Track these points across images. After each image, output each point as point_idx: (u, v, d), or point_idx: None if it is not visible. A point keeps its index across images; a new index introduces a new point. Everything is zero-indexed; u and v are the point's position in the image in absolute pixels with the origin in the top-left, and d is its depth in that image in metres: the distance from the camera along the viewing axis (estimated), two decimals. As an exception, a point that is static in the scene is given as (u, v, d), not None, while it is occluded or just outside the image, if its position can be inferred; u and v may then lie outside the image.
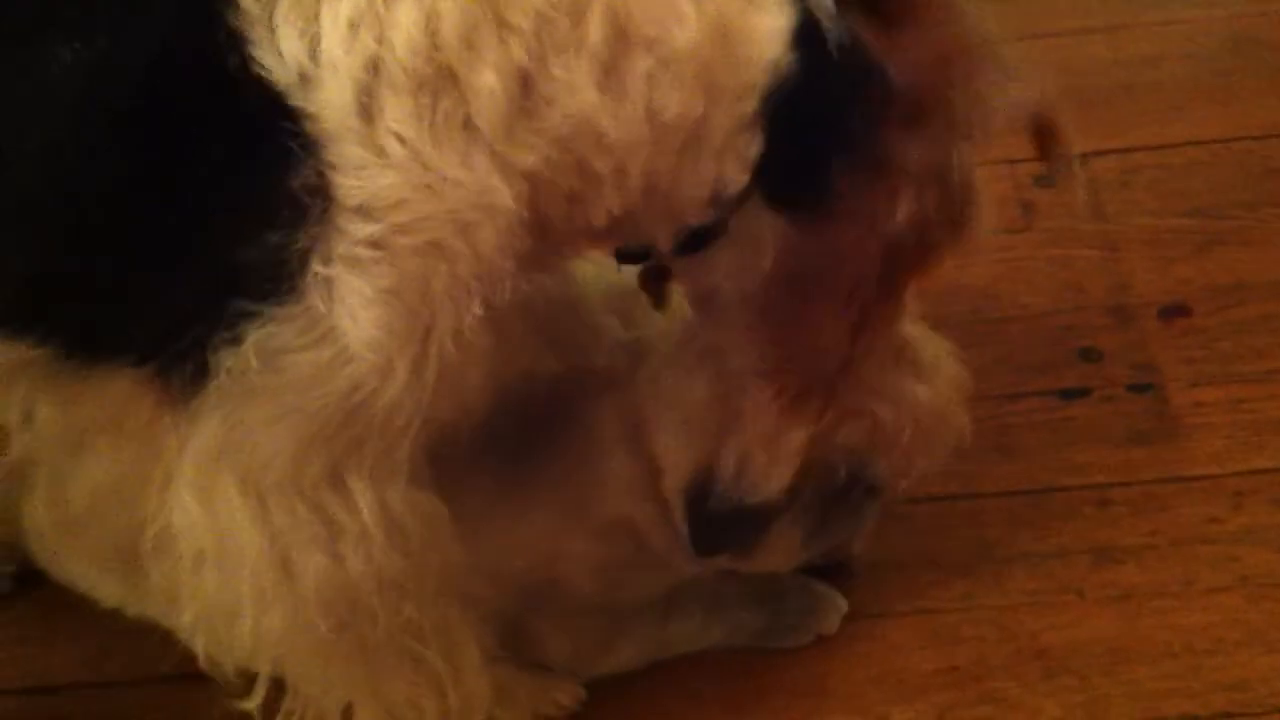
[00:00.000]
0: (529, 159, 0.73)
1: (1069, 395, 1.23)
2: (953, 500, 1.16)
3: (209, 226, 0.70)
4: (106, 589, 1.09)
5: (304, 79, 0.67)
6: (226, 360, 0.72)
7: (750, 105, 0.76)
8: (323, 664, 0.87)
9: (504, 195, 0.72)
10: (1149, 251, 1.35)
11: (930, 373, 1.00)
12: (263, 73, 0.67)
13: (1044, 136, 0.89)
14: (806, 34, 0.76)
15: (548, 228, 0.77)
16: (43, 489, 1.07)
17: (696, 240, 0.84)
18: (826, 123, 0.79)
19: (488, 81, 0.69)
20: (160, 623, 1.05)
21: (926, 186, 0.85)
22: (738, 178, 0.79)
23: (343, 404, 0.74)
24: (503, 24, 0.70)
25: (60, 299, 0.73)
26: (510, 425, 0.96)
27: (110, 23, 0.67)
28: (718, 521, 0.96)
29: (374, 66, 0.68)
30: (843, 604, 1.09)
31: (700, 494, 0.96)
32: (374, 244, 0.70)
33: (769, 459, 0.92)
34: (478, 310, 0.74)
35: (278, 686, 0.89)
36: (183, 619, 0.86)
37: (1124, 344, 1.27)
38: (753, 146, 0.78)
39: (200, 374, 0.74)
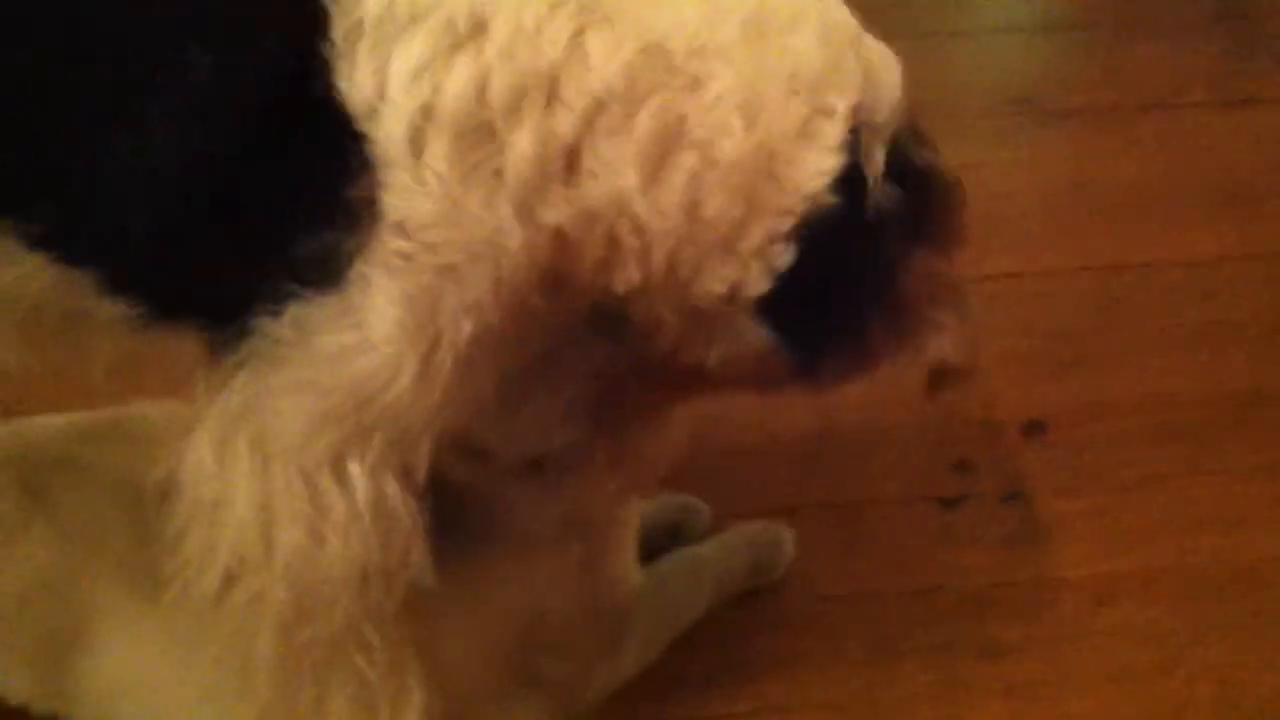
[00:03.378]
0: (556, 217, 0.80)
1: (948, 504, 1.32)
2: (853, 599, 1.23)
3: (281, 218, 0.79)
4: (18, 684, 1.06)
5: (371, 110, 0.76)
6: (265, 326, 0.81)
7: (787, 224, 0.83)
8: (271, 654, 0.90)
9: (516, 239, 0.79)
10: (1009, 371, 1.46)
11: None
12: (340, 98, 0.76)
13: (942, 380, 0.96)
14: (851, 187, 0.83)
15: (565, 281, 0.84)
16: (-38, 581, 1.06)
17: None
18: (868, 280, 0.86)
19: (523, 143, 0.77)
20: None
21: None
22: (760, 284, 0.85)
23: (356, 389, 0.82)
24: (554, 97, 0.78)
25: (161, 265, 0.81)
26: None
27: (236, 39, 0.77)
28: None
29: (426, 111, 0.76)
30: (789, 533, 1.22)
31: None
32: (404, 256, 0.79)
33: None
34: (475, 331, 0.82)
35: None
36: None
37: (992, 457, 1.37)
38: (782, 258, 0.84)
39: (240, 336, 0.82)
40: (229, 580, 0.87)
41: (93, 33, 0.76)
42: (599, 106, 0.78)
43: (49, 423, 1.15)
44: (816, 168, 0.82)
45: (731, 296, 0.86)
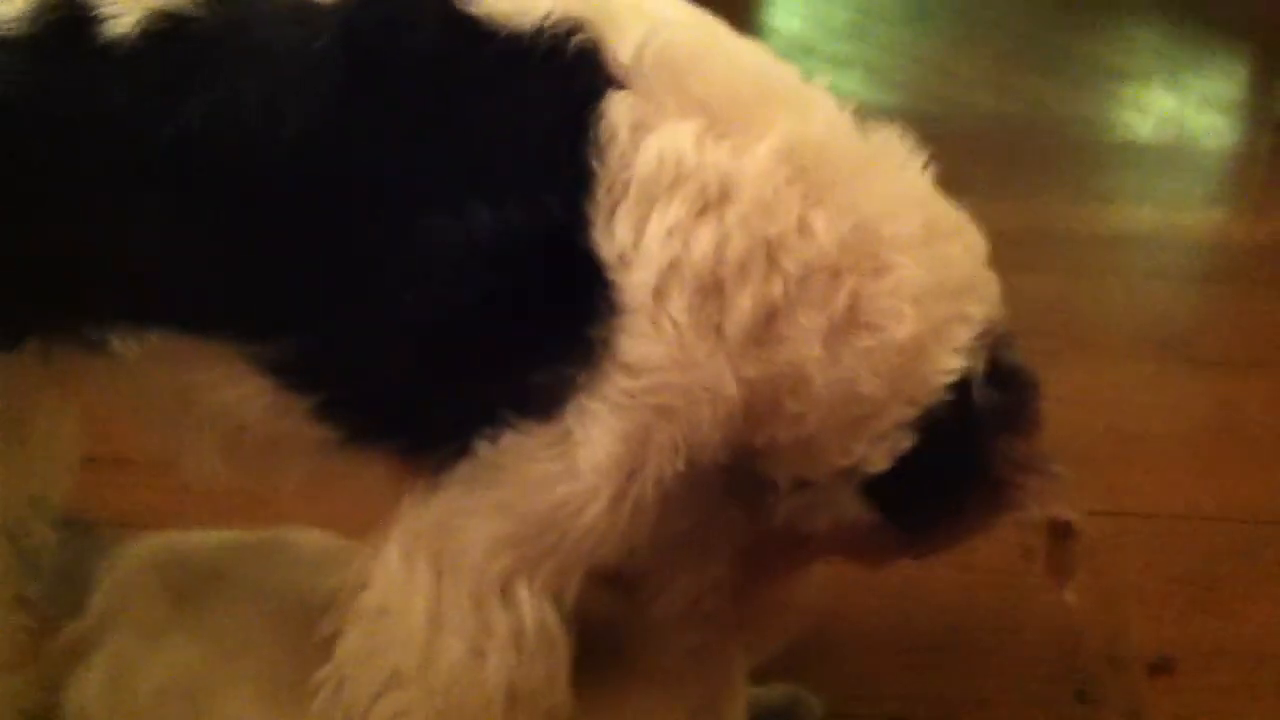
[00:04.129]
0: (750, 374, 0.87)
1: (1067, 731, 1.31)
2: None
3: (519, 353, 0.87)
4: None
5: (622, 260, 0.83)
6: (478, 451, 0.88)
7: (915, 412, 0.90)
8: None
9: (730, 388, 0.86)
10: (1139, 608, 1.45)
11: None
12: (595, 249, 0.83)
13: (1057, 548, 1.01)
14: (962, 390, 0.91)
15: (747, 433, 0.90)
16: (102, 672, 1.10)
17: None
18: (971, 457, 0.94)
19: (743, 302, 0.85)
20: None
21: None
22: (881, 463, 0.92)
23: (548, 515, 0.88)
24: (773, 263, 0.85)
25: (387, 395, 0.89)
26: None
27: (504, 193, 0.84)
28: None
29: (675, 265, 0.84)
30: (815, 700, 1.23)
31: None
32: (630, 394, 0.85)
33: None
34: (679, 467, 0.88)
35: None
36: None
37: (1115, 692, 1.35)
38: (903, 444, 0.91)
39: (450, 458, 0.89)
40: (381, 691, 0.92)
41: (379, 180, 0.84)
42: (809, 274, 0.86)
43: (203, 536, 1.21)
44: (946, 366, 0.90)
45: (851, 471, 0.93)
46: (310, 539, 1.23)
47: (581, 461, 0.86)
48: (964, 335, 0.91)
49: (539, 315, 0.86)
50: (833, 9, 3.09)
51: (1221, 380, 1.85)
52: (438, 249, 0.83)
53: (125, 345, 0.90)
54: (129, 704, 1.08)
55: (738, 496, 0.99)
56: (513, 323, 0.85)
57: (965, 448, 0.94)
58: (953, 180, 2.39)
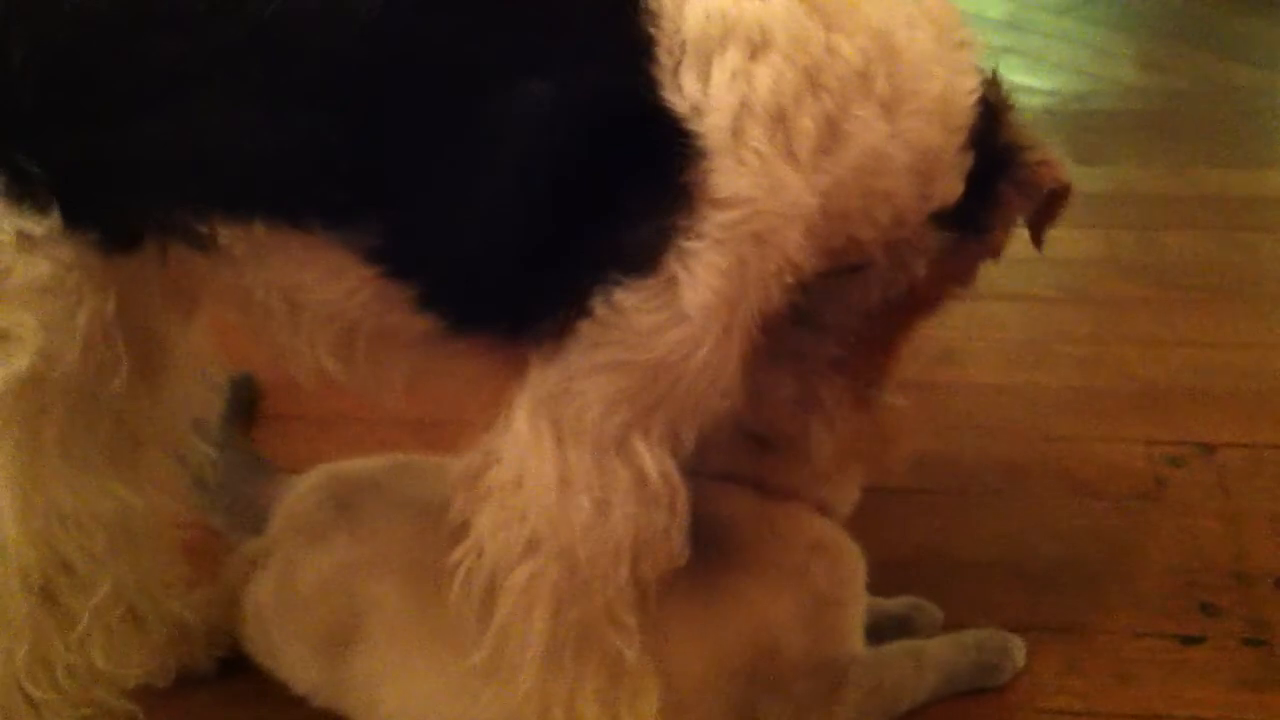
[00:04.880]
0: (825, 181, 0.96)
1: (1187, 640, 1.33)
2: (1073, 715, 1.25)
3: (615, 213, 0.94)
4: (306, 673, 1.22)
5: (696, 110, 0.92)
6: (595, 314, 0.95)
7: (963, 136, 1.03)
8: (542, 633, 1.03)
9: (810, 202, 0.96)
10: (1270, 529, 1.46)
11: None
12: (668, 105, 0.92)
13: (1052, 204, 1.14)
14: (982, 98, 1.04)
15: (827, 238, 1.00)
16: (274, 572, 1.24)
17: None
18: (999, 150, 1.08)
19: (805, 124, 0.94)
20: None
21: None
22: (957, 192, 1.05)
23: (660, 362, 0.96)
24: (817, 85, 0.95)
25: (489, 272, 0.96)
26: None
27: (571, 66, 0.92)
28: None
29: (745, 103, 0.93)
30: (1018, 640, 1.28)
31: None
32: (727, 227, 0.93)
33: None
34: (778, 296, 0.97)
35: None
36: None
37: (1240, 603, 1.37)
38: (968, 161, 1.04)
39: (559, 329, 0.97)
40: (519, 558, 1.01)
41: (449, 57, 0.93)
42: (848, 82, 0.96)
43: (365, 460, 1.34)
44: (970, 88, 1.03)
45: (940, 209, 1.05)
46: (442, 461, 1.35)
47: (687, 304, 0.94)
48: (969, 59, 1.04)
49: (628, 174, 0.92)
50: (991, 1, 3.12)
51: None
52: (517, 121, 0.91)
53: (231, 238, 0.96)
54: (294, 597, 1.22)
55: (805, 325, 1.11)
56: (604, 185, 0.92)
57: (995, 148, 1.07)
58: (1104, 150, 2.42)
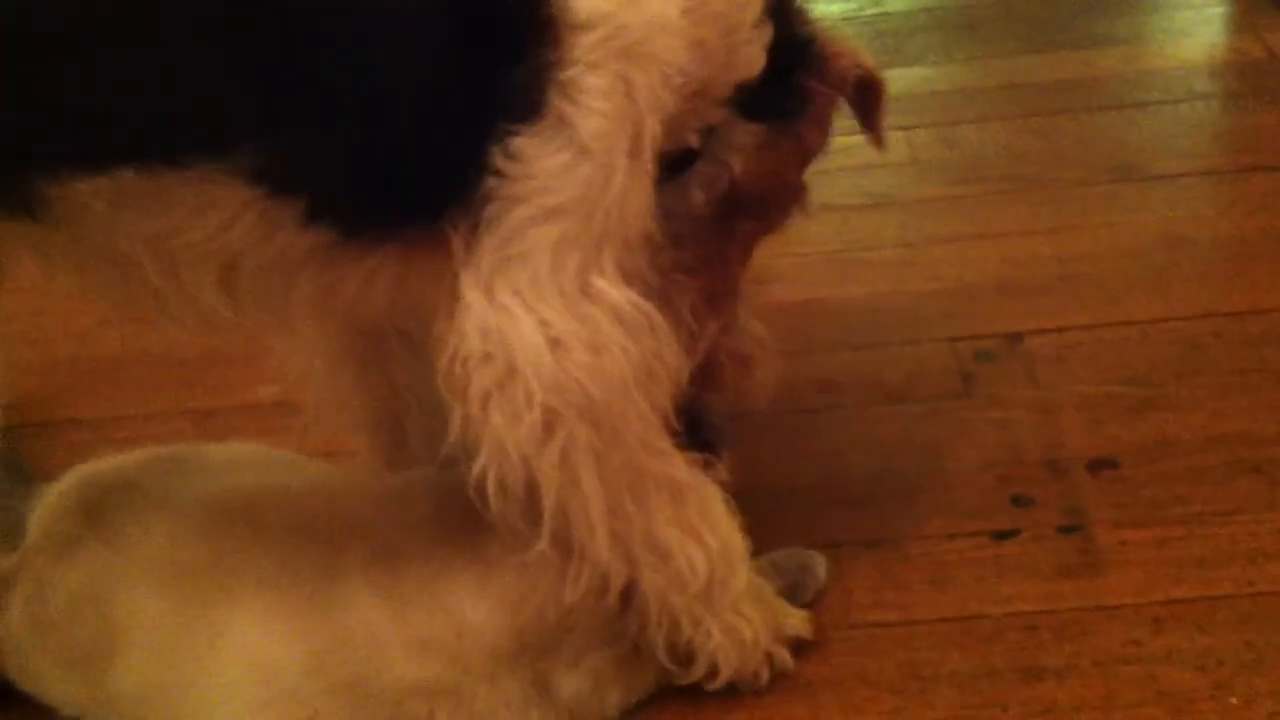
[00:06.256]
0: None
1: (1000, 536, 1.29)
2: (887, 626, 1.21)
3: (490, 65, 0.91)
4: (71, 694, 1.13)
5: None
6: (500, 170, 0.93)
7: (759, 8, 1.03)
8: (596, 489, 1.00)
9: (674, 14, 0.95)
10: (1081, 415, 1.43)
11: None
12: None
13: (867, 95, 1.14)
14: None
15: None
16: (22, 593, 1.15)
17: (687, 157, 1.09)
18: (794, 40, 1.08)
19: None
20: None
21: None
22: (757, 66, 1.04)
23: (582, 200, 0.94)
24: None
25: (381, 160, 0.92)
26: None
27: None
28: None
29: None
30: (821, 557, 1.25)
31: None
32: (594, 49, 0.92)
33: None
34: (672, 103, 0.97)
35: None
36: None
37: (1054, 493, 1.34)
38: (766, 35, 1.04)
39: (481, 198, 0.94)
40: (542, 444, 0.97)
41: None
42: None
43: (119, 458, 1.25)
44: None
45: (744, 81, 1.04)
46: (223, 450, 1.27)
47: (585, 135, 0.92)
48: None
49: (492, 18, 0.90)
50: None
51: (1176, 195, 1.81)
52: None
53: (91, 194, 0.89)
54: (45, 616, 1.13)
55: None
56: (473, 37, 0.90)
57: (792, 38, 1.08)
58: (903, 52, 2.37)
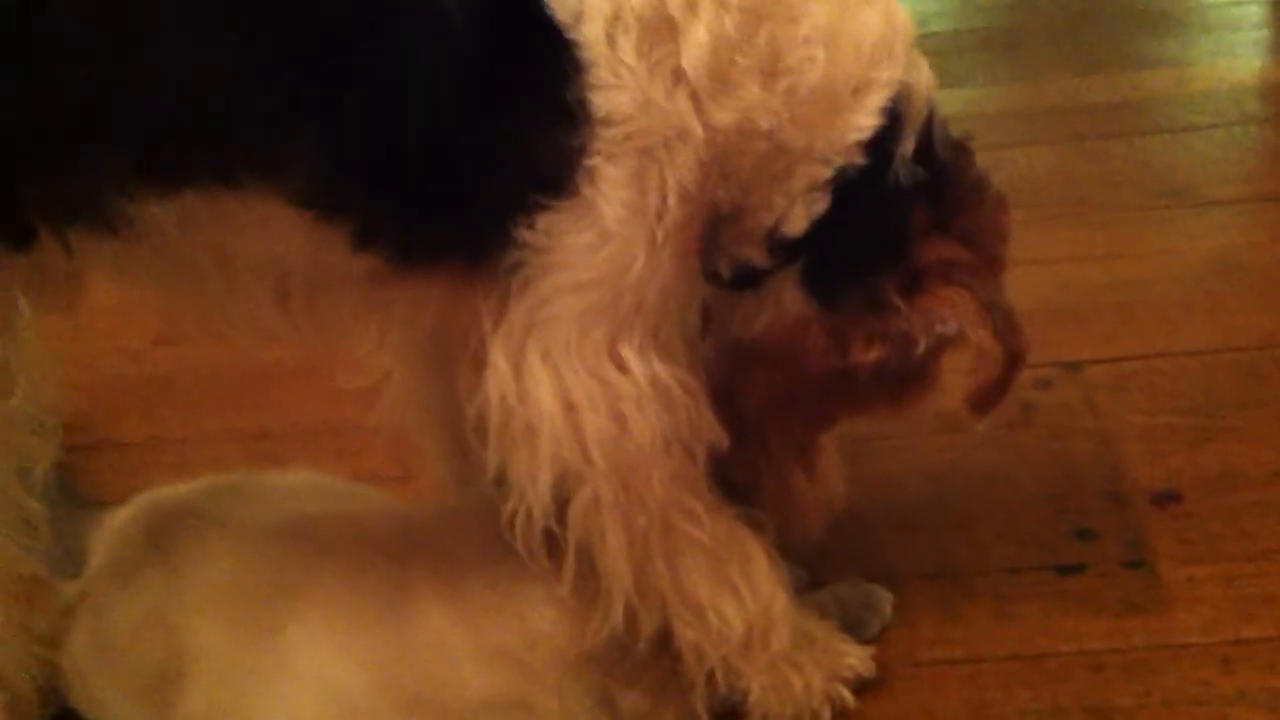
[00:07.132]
0: (723, 119, 0.92)
1: (1065, 570, 1.28)
2: (952, 664, 1.20)
3: (526, 135, 0.91)
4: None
5: (577, 17, 0.88)
6: (523, 242, 0.93)
7: (827, 173, 0.97)
8: (622, 546, 1.01)
9: (696, 129, 0.92)
10: (1142, 445, 1.42)
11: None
12: (551, 12, 0.88)
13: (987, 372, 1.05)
14: (880, 150, 0.96)
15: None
16: (86, 620, 1.14)
17: (747, 276, 1.05)
18: (872, 235, 1.00)
19: (699, 37, 0.90)
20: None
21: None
22: (799, 223, 0.98)
23: (606, 278, 0.94)
24: (725, 5, 0.90)
25: (416, 202, 0.93)
26: None
27: None
28: None
29: (617, 12, 0.89)
30: (887, 594, 1.22)
31: None
32: (615, 142, 0.91)
33: None
34: (681, 214, 0.94)
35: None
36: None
37: (1116, 525, 1.32)
38: (817, 205, 0.98)
39: (506, 263, 0.95)
40: (564, 495, 0.99)
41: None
42: (743, 17, 0.90)
43: (182, 486, 1.24)
44: (857, 124, 0.95)
45: (771, 235, 1.00)
46: (284, 478, 1.26)
47: (607, 220, 0.92)
48: (876, 97, 0.95)
49: (519, 87, 0.89)
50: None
51: (1230, 220, 1.79)
52: (408, 45, 0.87)
53: (162, 211, 0.91)
54: (110, 643, 1.12)
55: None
56: (514, 105, 0.89)
57: (884, 219, 0.99)
58: (950, 73, 2.36)
